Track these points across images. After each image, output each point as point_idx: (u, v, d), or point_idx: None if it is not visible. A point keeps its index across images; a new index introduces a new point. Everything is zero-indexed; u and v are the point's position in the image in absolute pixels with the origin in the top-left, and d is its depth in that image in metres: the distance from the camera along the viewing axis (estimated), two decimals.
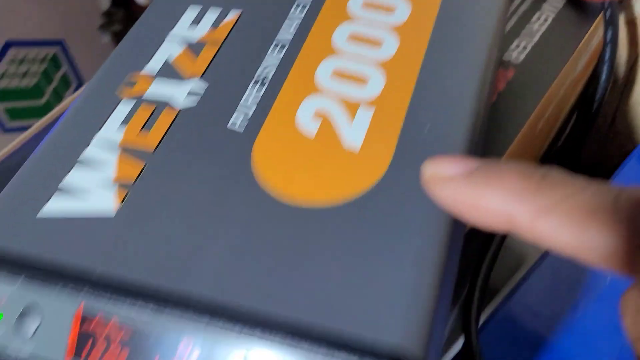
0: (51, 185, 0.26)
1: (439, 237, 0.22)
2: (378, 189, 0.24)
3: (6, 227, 0.24)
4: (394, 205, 0.23)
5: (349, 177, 0.25)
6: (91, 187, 0.25)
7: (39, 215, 0.25)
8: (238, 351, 0.21)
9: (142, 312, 0.22)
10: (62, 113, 0.42)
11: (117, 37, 0.73)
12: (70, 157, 0.27)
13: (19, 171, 0.27)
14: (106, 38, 0.73)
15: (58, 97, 0.70)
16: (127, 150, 0.27)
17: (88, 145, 0.27)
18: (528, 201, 0.16)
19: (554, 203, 0.16)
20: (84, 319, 0.22)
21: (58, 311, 0.23)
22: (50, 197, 0.25)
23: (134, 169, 0.26)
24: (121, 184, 0.25)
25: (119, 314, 0.22)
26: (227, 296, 0.21)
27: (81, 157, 0.27)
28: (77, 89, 0.73)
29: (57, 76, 0.69)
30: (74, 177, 0.26)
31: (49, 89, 0.69)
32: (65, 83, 0.71)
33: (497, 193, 0.17)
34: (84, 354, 0.22)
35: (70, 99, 0.43)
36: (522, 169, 0.17)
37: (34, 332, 0.23)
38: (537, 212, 0.16)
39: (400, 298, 0.21)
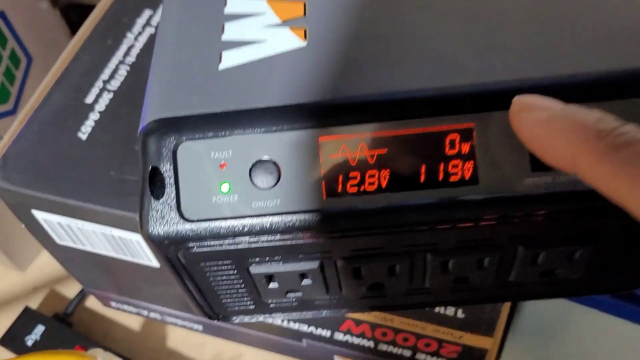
0: (212, 44, 0.24)
1: None
2: None
3: (193, 90, 0.22)
4: None
5: None
6: (260, 31, 0.24)
7: (221, 67, 0.23)
8: None
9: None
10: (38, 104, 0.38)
11: (56, 2, 0.67)
12: (214, 18, 0.25)
13: (157, 59, 0.24)
14: (44, 4, 0.67)
15: (11, 77, 0.63)
16: None
17: (225, 4, 0.25)
18: (591, 147, 0.17)
19: (611, 151, 0.17)
20: (329, 152, 0.21)
21: (298, 152, 0.21)
22: (221, 51, 0.23)
23: (297, 6, 0.24)
24: (291, 22, 0.24)
25: (364, 136, 0.21)
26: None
27: (226, 15, 0.25)
28: (27, 66, 0.66)
29: (6, 54, 0.62)
30: (232, 31, 0.24)
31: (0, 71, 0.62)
32: (15, 61, 0.64)
33: (566, 136, 0.18)
34: (340, 187, 0.21)
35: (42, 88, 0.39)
36: (597, 117, 0.18)
37: (275, 183, 0.21)
38: (597, 157, 0.17)
39: None
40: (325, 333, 0.39)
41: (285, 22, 0.24)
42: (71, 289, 0.53)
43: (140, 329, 0.51)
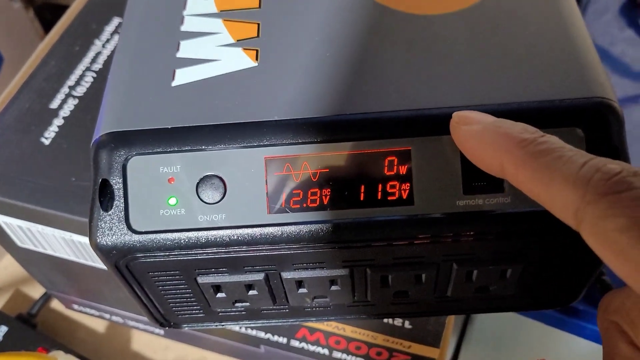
0: (167, 61, 0.24)
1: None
2: None
3: (146, 105, 0.23)
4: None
5: None
6: (213, 51, 0.24)
7: (174, 83, 0.23)
8: None
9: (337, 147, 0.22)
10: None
11: (30, 1, 0.67)
12: (170, 36, 0.25)
13: (114, 72, 0.25)
14: (16, 4, 0.67)
15: None
16: (230, 14, 0.26)
17: (182, 23, 0.26)
18: (514, 154, 0.19)
19: (531, 157, 0.19)
20: (273, 170, 0.22)
21: (244, 168, 0.22)
22: (175, 69, 0.24)
23: (250, 27, 0.25)
24: (244, 42, 0.25)
25: (308, 156, 0.22)
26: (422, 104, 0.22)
27: (182, 32, 0.25)
28: None
29: None
30: (187, 48, 0.25)
31: None
32: None
33: (494, 145, 0.20)
34: (283, 203, 0.22)
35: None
36: (521, 128, 0.20)
37: (221, 198, 0.22)
38: (519, 163, 0.19)
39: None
40: (282, 340, 0.40)
41: (238, 42, 0.25)
42: (36, 290, 0.53)
43: (105, 331, 0.51)
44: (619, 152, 0.21)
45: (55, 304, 0.52)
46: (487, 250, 0.23)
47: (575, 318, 0.35)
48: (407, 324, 0.32)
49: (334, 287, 0.25)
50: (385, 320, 0.33)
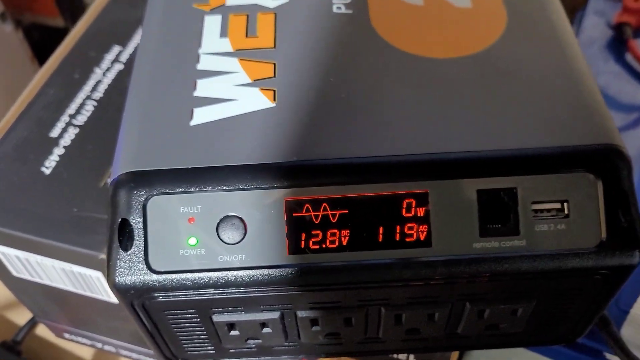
0: (185, 100, 0.25)
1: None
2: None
3: (165, 144, 0.23)
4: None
5: (476, 29, 0.26)
6: (231, 90, 0.25)
7: (193, 123, 0.24)
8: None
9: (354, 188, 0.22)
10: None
11: (19, 22, 0.66)
12: (187, 74, 0.26)
13: (129, 109, 0.25)
14: (8, 27, 0.66)
15: None
16: (246, 53, 0.26)
17: (198, 61, 0.26)
18: None
19: None
20: (293, 211, 0.22)
21: (264, 209, 0.22)
22: (193, 108, 0.24)
23: (267, 67, 0.25)
24: (261, 82, 0.25)
25: (328, 198, 0.22)
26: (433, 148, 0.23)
27: (199, 71, 0.26)
28: None
29: None
30: (205, 87, 0.25)
31: None
32: None
33: None
34: (302, 244, 0.22)
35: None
36: None
37: (241, 239, 0.22)
38: None
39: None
40: None
41: (255, 82, 0.25)
42: (21, 316, 0.52)
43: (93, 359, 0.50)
44: (628, 196, 0.22)
45: (41, 331, 0.51)
46: (500, 290, 0.24)
47: (574, 351, 0.36)
48: (412, 359, 0.32)
49: (347, 325, 0.25)
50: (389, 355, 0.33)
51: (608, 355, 0.35)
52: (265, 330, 0.25)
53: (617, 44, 0.51)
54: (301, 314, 0.24)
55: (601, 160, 0.22)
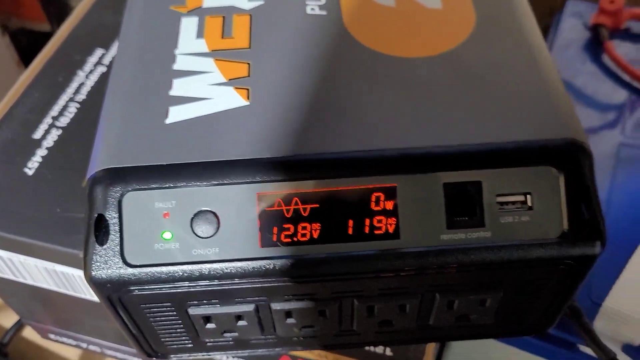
0: (161, 99, 0.25)
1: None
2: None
3: (141, 142, 0.24)
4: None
5: (445, 29, 0.27)
6: (206, 89, 0.25)
7: (168, 121, 0.24)
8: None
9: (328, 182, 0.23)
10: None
11: (5, 27, 0.67)
12: (163, 74, 0.26)
13: (107, 109, 0.26)
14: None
15: None
16: (221, 53, 0.27)
17: (174, 61, 0.27)
18: None
19: None
20: (265, 205, 0.23)
21: (237, 204, 0.23)
22: (169, 107, 0.25)
23: (241, 66, 0.26)
24: (235, 81, 0.26)
25: (299, 192, 0.23)
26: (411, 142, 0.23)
27: (175, 70, 0.26)
28: None
29: None
30: (180, 86, 0.26)
31: None
32: None
33: None
34: (274, 237, 0.23)
35: None
36: None
37: (215, 233, 0.23)
38: None
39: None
40: None
41: (230, 81, 0.26)
42: (8, 318, 0.52)
43: None
44: (589, 189, 0.23)
45: (28, 333, 0.52)
46: (468, 280, 0.24)
47: (547, 342, 0.37)
48: (388, 351, 0.33)
49: (321, 317, 0.26)
50: (366, 347, 0.34)
51: (581, 347, 0.35)
52: (241, 323, 0.26)
53: (594, 45, 0.52)
54: (275, 306, 0.25)
55: (563, 154, 0.23)
